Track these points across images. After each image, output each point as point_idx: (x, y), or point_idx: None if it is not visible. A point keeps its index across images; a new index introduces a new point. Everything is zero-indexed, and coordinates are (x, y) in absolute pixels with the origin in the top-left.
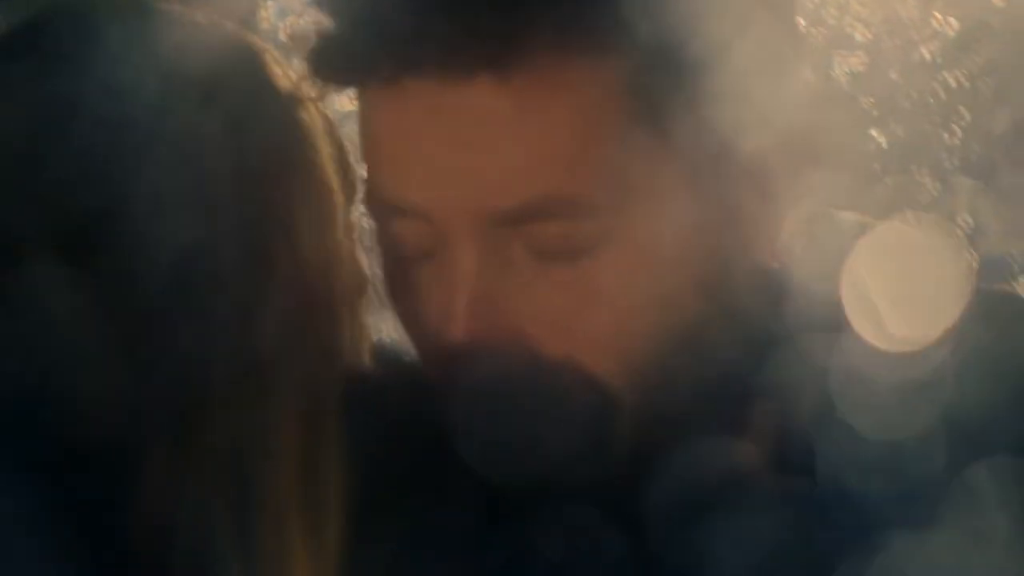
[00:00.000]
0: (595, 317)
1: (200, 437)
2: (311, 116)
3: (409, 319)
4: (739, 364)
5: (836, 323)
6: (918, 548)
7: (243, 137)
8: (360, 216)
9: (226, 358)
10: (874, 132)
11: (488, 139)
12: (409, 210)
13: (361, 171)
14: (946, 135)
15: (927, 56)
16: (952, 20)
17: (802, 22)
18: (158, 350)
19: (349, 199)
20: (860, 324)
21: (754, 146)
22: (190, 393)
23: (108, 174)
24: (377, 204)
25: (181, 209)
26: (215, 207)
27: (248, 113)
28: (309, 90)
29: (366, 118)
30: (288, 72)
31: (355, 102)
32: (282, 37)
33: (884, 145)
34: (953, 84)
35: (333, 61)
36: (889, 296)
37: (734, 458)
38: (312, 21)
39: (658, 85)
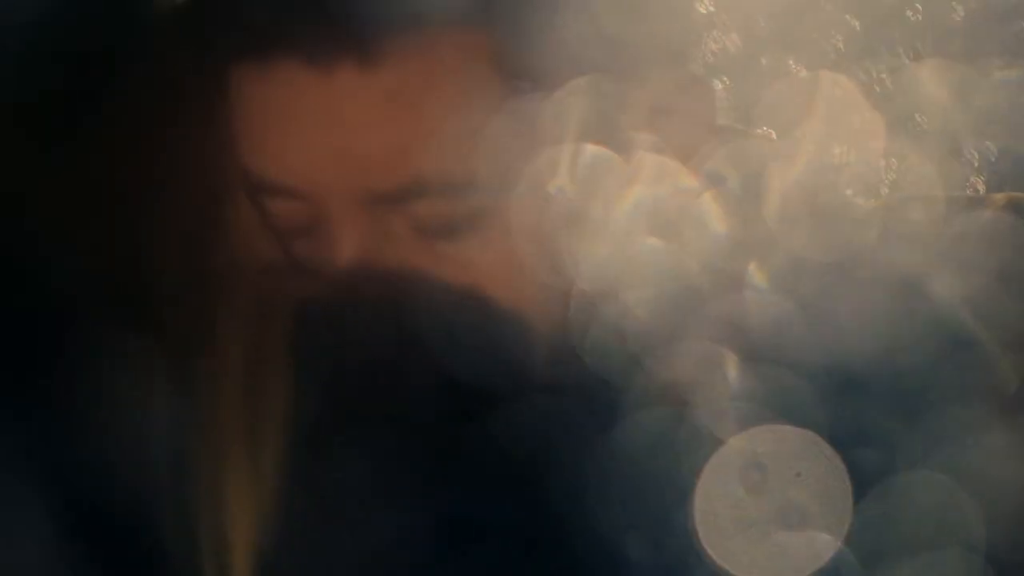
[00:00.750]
0: (481, 292)
1: (143, 338)
2: None
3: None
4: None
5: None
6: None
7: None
8: None
9: (177, 262)
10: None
11: (361, 121)
12: (284, 191)
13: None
14: (902, 29)
15: None
16: None
17: None
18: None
19: None
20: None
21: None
22: (140, 285)
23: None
24: (250, 181)
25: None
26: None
27: None
28: None
29: (236, 96)
30: None
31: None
32: None
33: (840, 41)
34: None
35: (196, 37)
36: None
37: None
38: None
39: (529, 53)
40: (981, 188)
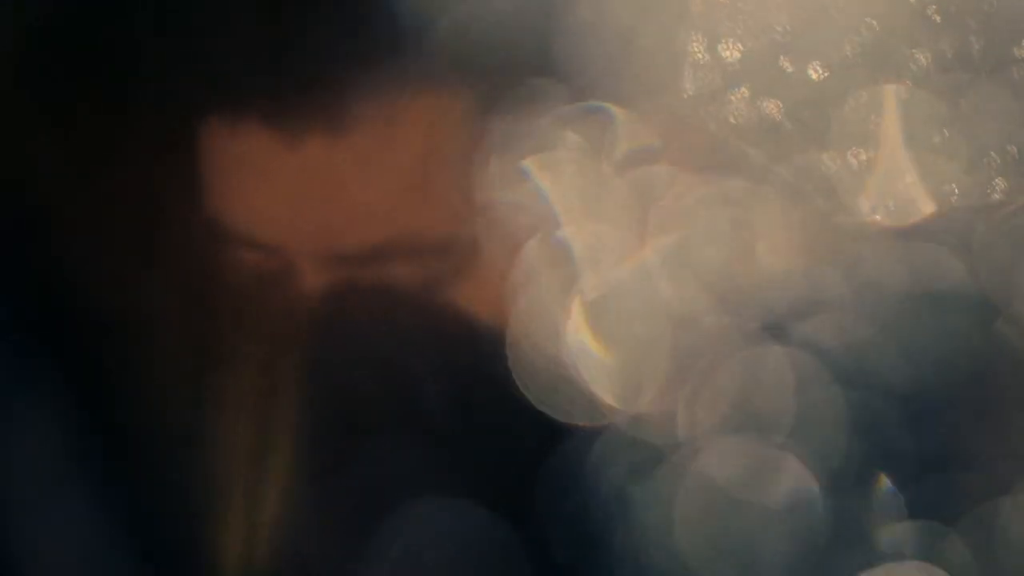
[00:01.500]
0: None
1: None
2: None
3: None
4: None
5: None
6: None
7: None
8: None
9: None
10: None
11: (327, 186)
12: (251, 243)
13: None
14: (924, 31)
15: None
16: None
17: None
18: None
19: None
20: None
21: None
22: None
23: None
24: (214, 229)
25: None
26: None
27: None
28: None
29: (206, 148)
30: None
31: None
32: None
33: (861, 46)
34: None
35: (165, 91)
36: None
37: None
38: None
39: (502, 116)
40: (1009, 192)
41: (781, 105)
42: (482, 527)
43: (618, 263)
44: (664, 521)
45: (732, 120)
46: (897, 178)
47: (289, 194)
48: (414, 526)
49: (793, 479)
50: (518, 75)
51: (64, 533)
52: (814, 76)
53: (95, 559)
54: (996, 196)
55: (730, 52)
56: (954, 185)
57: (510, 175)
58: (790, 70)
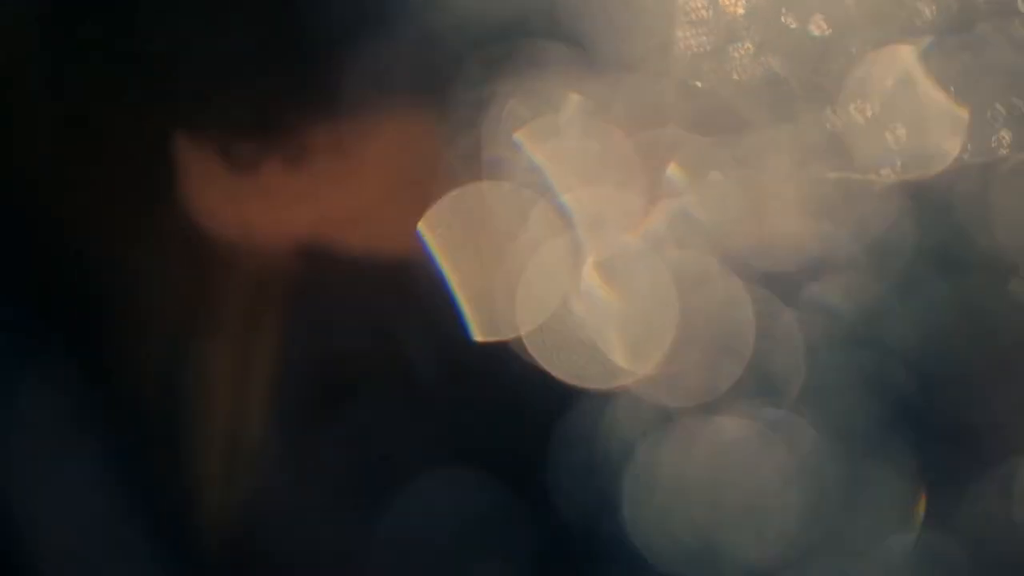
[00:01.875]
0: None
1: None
2: None
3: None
4: None
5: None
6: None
7: None
8: None
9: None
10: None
11: (287, 205)
12: (224, 239)
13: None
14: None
15: None
16: None
17: None
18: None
19: None
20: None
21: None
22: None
23: None
24: (188, 220)
25: None
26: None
27: None
28: None
29: (175, 152)
30: None
31: None
32: None
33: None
34: None
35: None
36: None
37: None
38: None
39: (472, 130)
40: (1016, 146)
41: (785, 61)
42: (491, 493)
43: (626, 225)
44: (674, 485)
45: (736, 77)
46: (904, 133)
47: (246, 206)
48: (421, 495)
49: (805, 443)
50: (518, 38)
51: (63, 529)
52: (818, 31)
53: (95, 551)
54: (1003, 150)
55: (733, 7)
56: (961, 140)
57: (513, 140)
58: (794, 26)
